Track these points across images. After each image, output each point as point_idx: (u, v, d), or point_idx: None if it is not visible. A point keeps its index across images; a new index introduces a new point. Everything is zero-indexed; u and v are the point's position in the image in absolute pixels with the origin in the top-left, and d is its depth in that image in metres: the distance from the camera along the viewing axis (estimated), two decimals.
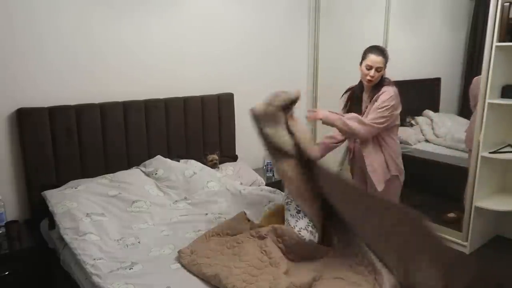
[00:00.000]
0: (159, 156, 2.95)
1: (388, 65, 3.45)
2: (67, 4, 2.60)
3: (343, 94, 2.71)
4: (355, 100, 2.60)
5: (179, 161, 2.98)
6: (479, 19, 3.74)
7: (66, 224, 2.23)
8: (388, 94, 2.41)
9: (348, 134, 2.48)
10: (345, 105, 2.68)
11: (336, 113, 2.46)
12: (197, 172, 2.85)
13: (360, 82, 2.58)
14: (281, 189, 2.96)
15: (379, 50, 2.43)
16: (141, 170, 2.83)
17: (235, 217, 2.33)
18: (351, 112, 2.56)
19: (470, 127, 3.13)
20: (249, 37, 3.58)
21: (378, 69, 2.41)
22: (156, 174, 2.78)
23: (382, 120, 2.39)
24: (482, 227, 3.14)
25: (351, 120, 2.40)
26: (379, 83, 2.49)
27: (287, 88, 3.95)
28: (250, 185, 3.06)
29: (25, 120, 2.48)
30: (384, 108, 2.39)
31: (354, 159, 2.76)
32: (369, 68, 2.42)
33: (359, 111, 2.54)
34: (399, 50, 3.62)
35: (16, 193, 2.59)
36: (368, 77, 2.43)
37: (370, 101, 2.48)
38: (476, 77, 3.14)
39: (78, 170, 2.70)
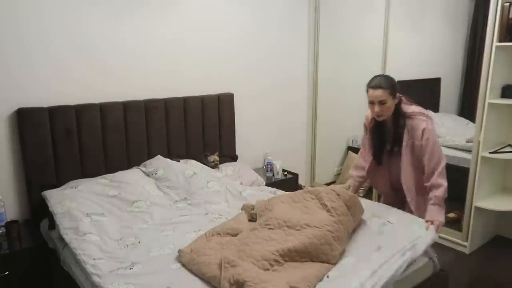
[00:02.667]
0: (159, 156, 2.95)
1: (388, 65, 3.48)
2: (67, 4, 2.61)
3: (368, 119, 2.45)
4: (377, 126, 2.36)
5: (179, 161, 2.98)
6: (479, 19, 3.73)
7: (66, 224, 2.23)
8: (428, 130, 2.18)
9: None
10: (366, 130, 2.45)
11: (435, 205, 2.21)
12: (197, 172, 2.85)
13: None
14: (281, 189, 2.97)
15: (376, 83, 2.17)
16: (141, 170, 2.83)
17: (235, 217, 2.33)
18: (373, 134, 2.38)
19: None
20: (249, 37, 3.58)
21: (381, 102, 2.15)
22: (156, 174, 2.78)
23: (440, 155, 2.22)
24: (482, 227, 3.14)
25: (439, 191, 2.20)
26: (398, 113, 2.23)
27: (287, 89, 3.97)
28: (250, 185, 3.06)
29: (25, 120, 2.48)
30: (436, 146, 2.20)
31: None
32: (372, 103, 2.20)
33: (383, 135, 2.35)
34: (399, 50, 3.62)
35: (16, 193, 2.59)
36: (375, 114, 2.21)
37: (395, 134, 2.27)
38: None
39: (78, 170, 2.70)
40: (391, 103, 2.19)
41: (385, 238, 2.03)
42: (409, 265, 1.92)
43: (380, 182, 2.53)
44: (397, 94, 2.21)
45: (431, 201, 2.21)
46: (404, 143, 2.24)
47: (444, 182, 2.21)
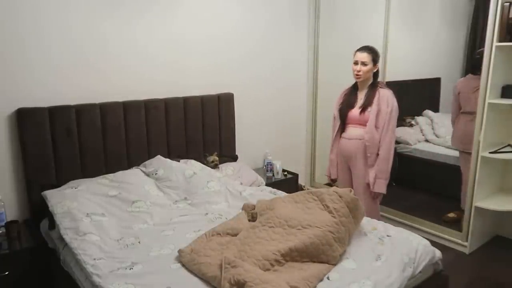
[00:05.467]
0: (159, 156, 2.95)
1: (388, 65, 3.48)
2: (68, 4, 2.61)
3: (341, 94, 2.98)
4: (350, 95, 2.86)
5: (179, 161, 2.98)
6: (479, 19, 3.74)
7: (66, 224, 2.22)
8: (392, 97, 2.70)
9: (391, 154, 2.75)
10: (341, 98, 2.93)
11: (377, 173, 2.74)
12: (197, 172, 2.85)
13: (355, 82, 2.86)
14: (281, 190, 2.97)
15: (364, 47, 2.73)
16: (141, 170, 2.83)
17: (235, 217, 2.33)
18: (344, 102, 2.87)
19: (456, 129, 3.36)
20: (249, 37, 3.58)
21: (363, 64, 2.69)
22: (156, 174, 2.78)
23: (395, 123, 2.73)
24: (482, 227, 3.14)
25: (383, 150, 2.71)
26: (374, 84, 2.75)
27: (288, 89, 3.97)
28: (250, 185, 3.06)
29: (25, 120, 2.48)
30: (392, 116, 2.71)
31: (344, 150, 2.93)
32: (356, 63, 2.72)
33: (351, 104, 2.82)
34: (399, 50, 3.62)
35: (16, 193, 2.59)
36: (356, 72, 2.73)
37: (367, 98, 2.74)
38: (460, 80, 3.32)
39: (78, 170, 2.70)
40: (370, 68, 2.70)
41: (385, 248, 2.04)
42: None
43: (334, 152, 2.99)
44: (377, 64, 2.74)
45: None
46: (374, 107, 2.69)
47: (390, 148, 2.74)
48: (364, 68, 2.69)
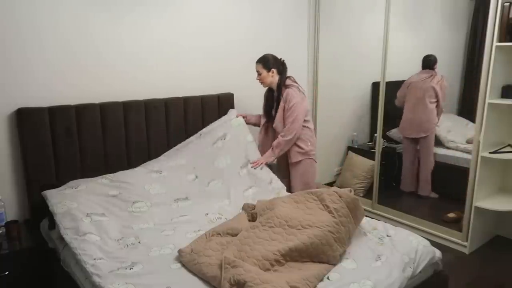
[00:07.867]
0: (160, 157, 2.95)
1: (388, 65, 3.49)
2: (67, 3, 2.61)
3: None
4: (268, 97, 3.17)
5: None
6: (479, 19, 3.74)
7: (66, 224, 2.22)
8: (289, 96, 2.92)
9: (283, 151, 3.00)
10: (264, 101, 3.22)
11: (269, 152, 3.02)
12: (197, 173, 2.84)
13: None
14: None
15: (258, 59, 3.00)
16: (142, 170, 2.82)
17: (235, 217, 2.33)
18: (267, 105, 3.16)
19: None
20: (249, 37, 3.58)
21: (258, 73, 2.99)
22: (157, 174, 2.78)
23: (296, 125, 2.91)
24: (482, 227, 3.14)
25: (277, 146, 2.96)
26: (280, 86, 2.99)
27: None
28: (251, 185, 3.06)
29: (25, 120, 2.48)
30: (291, 111, 2.91)
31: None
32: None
33: (271, 105, 3.11)
34: (399, 50, 3.62)
35: (16, 193, 2.59)
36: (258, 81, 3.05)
37: (278, 99, 3.01)
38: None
39: (78, 170, 2.70)
40: (265, 75, 2.97)
41: (385, 249, 2.05)
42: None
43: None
44: (272, 69, 2.95)
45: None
46: (281, 105, 2.96)
47: (281, 140, 2.95)
48: (261, 76, 2.99)
